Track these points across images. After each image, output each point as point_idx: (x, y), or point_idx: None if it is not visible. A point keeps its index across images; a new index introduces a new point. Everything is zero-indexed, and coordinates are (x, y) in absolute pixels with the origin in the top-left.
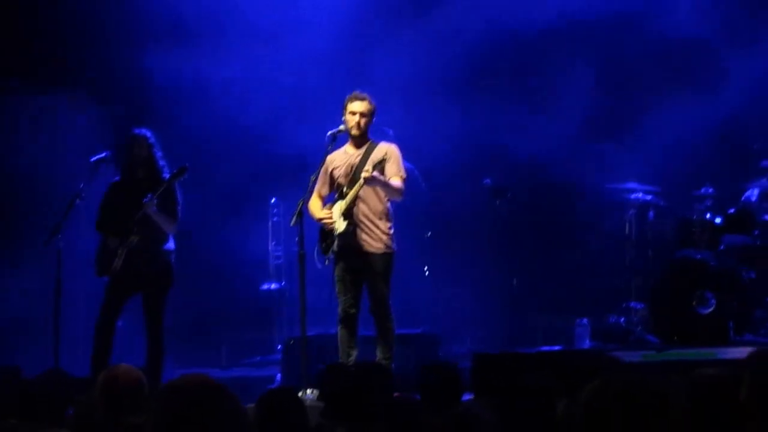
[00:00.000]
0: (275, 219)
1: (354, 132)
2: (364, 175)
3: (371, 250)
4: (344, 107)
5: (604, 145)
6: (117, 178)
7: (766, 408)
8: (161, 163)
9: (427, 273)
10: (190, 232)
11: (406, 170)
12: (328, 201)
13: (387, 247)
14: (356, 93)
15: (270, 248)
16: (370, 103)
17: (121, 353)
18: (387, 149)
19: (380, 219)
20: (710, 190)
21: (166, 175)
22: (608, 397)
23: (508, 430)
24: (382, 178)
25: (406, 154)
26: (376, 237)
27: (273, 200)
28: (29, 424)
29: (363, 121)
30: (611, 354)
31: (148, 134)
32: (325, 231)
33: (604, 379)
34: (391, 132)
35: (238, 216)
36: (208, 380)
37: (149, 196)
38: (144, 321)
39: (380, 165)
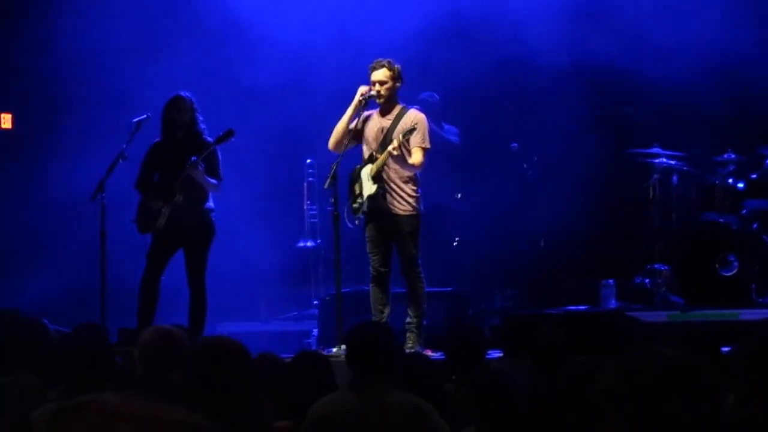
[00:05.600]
0: (310, 179)
1: (377, 101)
2: (390, 148)
3: (399, 212)
4: (369, 76)
5: (629, 110)
6: (157, 138)
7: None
8: (202, 125)
9: (456, 243)
10: (229, 192)
11: (445, 132)
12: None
13: (413, 209)
14: (376, 61)
15: (305, 207)
16: (389, 69)
17: (165, 308)
18: (415, 118)
19: (406, 182)
20: (732, 155)
21: (207, 138)
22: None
23: (540, 387)
24: (404, 157)
25: (446, 115)
26: (403, 199)
27: (309, 161)
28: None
29: (383, 88)
30: (631, 315)
31: (191, 97)
32: (354, 192)
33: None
34: (425, 97)
35: (274, 176)
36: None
37: (194, 157)
38: (186, 277)
39: (409, 134)
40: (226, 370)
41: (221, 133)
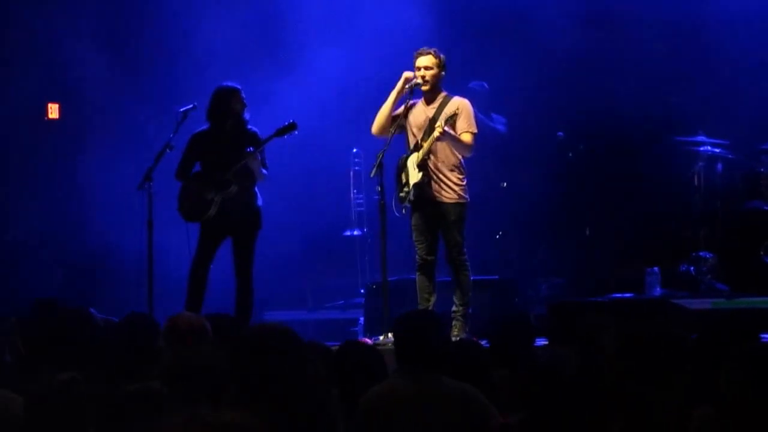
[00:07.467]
0: (356, 168)
1: (423, 87)
2: (435, 133)
3: (444, 200)
4: (414, 64)
5: (674, 98)
6: (202, 127)
7: None
8: (247, 115)
9: (498, 237)
10: (276, 181)
11: (493, 121)
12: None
13: (459, 197)
14: (422, 48)
15: (352, 196)
16: (435, 56)
17: (213, 297)
18: (459, 104)
19: (452, 171)
20: None
21: (252, 127)
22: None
23: (587, 375)
24: (452, 133)
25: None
26: (448, 188)
27: (355, 150)
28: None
29: (429, 74)
30: (677, 302)
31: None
32: (401, 181)
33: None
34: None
35: (321, 165)
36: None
37: (250, 148)
38: (234, 266)
39: (452, 119)
40: (280, 359)
41: (283, 125)
